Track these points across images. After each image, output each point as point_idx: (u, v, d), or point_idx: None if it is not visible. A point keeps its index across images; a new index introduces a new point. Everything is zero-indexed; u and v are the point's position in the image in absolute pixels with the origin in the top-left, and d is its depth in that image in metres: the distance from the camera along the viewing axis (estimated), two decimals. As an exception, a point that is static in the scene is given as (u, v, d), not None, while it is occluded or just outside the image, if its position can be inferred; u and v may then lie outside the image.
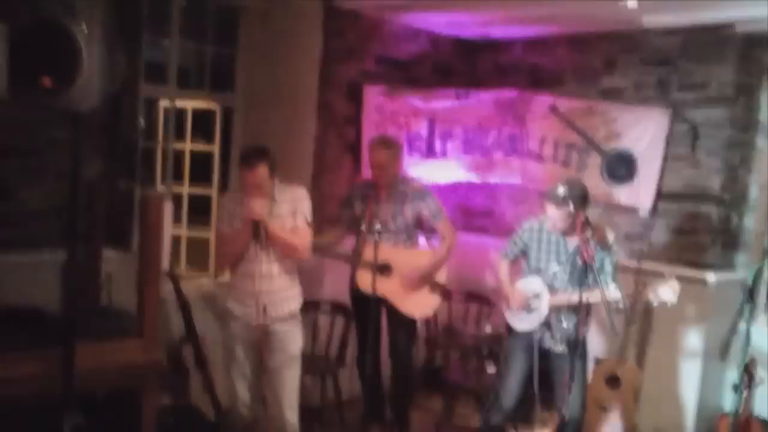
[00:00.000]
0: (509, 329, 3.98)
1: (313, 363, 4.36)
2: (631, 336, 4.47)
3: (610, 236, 3.74)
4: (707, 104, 4.63)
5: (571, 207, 3.62)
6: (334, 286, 4.79)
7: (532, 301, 3.84)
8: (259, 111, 4.84)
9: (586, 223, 3.70)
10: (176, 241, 5.00)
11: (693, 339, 4.56)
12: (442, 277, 4.33)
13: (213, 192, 4.94)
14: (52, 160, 3.74)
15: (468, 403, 5.00)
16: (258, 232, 3.55)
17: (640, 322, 4.52)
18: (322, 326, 4.62)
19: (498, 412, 3.99)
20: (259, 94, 4.84)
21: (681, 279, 4.52)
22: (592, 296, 3.58)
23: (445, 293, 4.51)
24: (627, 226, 4.98)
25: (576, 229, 3.70)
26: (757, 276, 2.77)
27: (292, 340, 3.74)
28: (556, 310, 3.77)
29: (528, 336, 3.85)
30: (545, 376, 3.87)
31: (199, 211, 5.15)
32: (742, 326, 2.72)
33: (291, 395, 3.73)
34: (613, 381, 4.47)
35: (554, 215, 3.71)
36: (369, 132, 5.20)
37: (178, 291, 4.03)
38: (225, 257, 3.69)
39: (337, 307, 4.57)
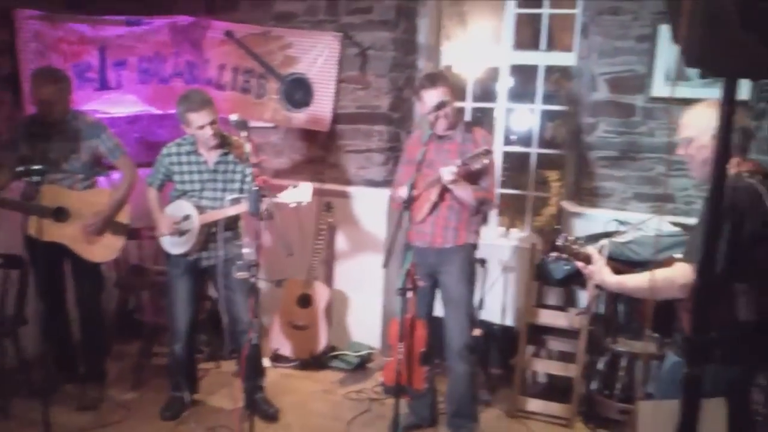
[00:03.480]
0: (168, 256, 4.05)
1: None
2: (320, 254, 4.79)
3: (248, 149, 3.91)
4: (373, 28, 4.97)
5: (213, 107, 3.76)
6: (5, 237, 4.43)
7: (181, 223, 3.92)
8: None
9: (222, 137, 3.89)
10: None
11: (374, 252, 5.01)
12: (124, 216, 4.21)
13: None
14: None
15: (166, 341, 5.02)
16: None
17: (325, 240, 4.84)
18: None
19: (176, 340, 4.08)
20: None
21: (360, 196, 4.96)
22: (237, 209, 3.82)
23: (132, 232, 4.42)
24: (308, 149, 5.25)
25: (215, 145, 3.89)
26: (412, 186, 3.08)
27: None
28: (208, 229, 3.90)
29: (186, 259, 3.96)
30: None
31: None
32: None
33: None
34: (303, 300, 4.79)
35: (203, 120, 3.77)
36: (29, 62, 4.78)
37: None
38: None
39: (9, 260, 4.25)
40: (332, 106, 5.07)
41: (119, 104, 5.30)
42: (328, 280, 5.11)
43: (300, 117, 5.13)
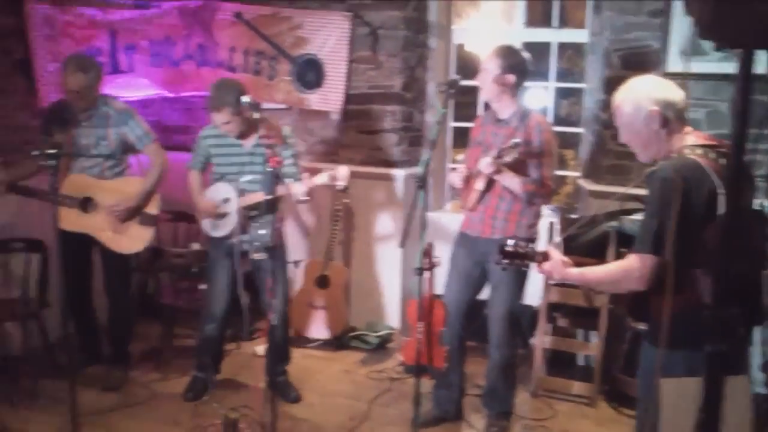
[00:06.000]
0: (210, 239, 4.14)
1: (10, 306, 4.19)
2: (337, 235, 4.88)
3: (286, 130, 3.97)
4: (383, 7, 5.03)
5: (232, 109, 3.76)
6: (32, 223, 4.49)
7: (221, 206, 4.01)
8: None
9: (258, 121, 3.90)
10: None
11: (391, 231, 5.11)
12: (154, 207, 4.24)
13: None
14: None
15: (186, 324, 5.13)
16: None
17: (342, 221, 4.93)
18: (16, 266, 4.40)
19: (210, 321, 4.18)
20: None
21: (375, 177, 5.04)
22: (281, 192, 3.83)
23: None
24: (321, 130, 5.32)
25: (249, 131, 3.94)
26: (427, 166, 3.13)
27: None
28: (248, 212, 3.97)
29: (226, 242, 4.05)
30: (251, 282, 4.13)
31: None
32: (421, 214, 3.11)
33: None
34: (322, 281, 4.88)
35: (219, 120, 3.85)
36: (41, 48, 4.90)
37: None
38: None
39: (30, 244, 4.35)
40: (344, 87, 5.14)
41: (131, 88, 5.40)
42: (346, 260, 5.21)
43: (312, 98, 5.20)
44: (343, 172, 3.79)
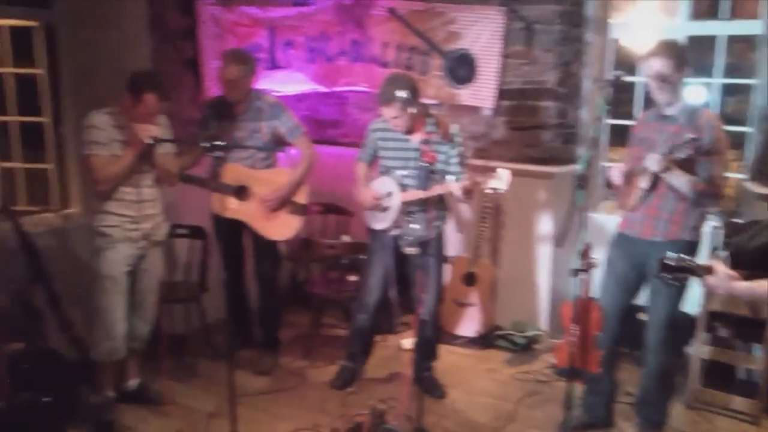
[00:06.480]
0: (370, 230, 4.20)
1: (174, 289, 4.46)
2: (485, 232, 4.83)
3: (453, 128, 3.95)
4: (539, 1, 4.92)
5: (402, 103, 3.76)
6: (191, 210, 4.77)
7: (384, 200, 4.05)
8: (85, 28, 4.61)
9: (426, 117, 3.92)
10: (9, 175, 4.78)
11: (542, 232, 5.01)
12: (302, 196, 4.39)
13: (45, 120, 4.70)
14: None
15: (333, 313, 5.26)
16: (147, 156, 3.67)
17: (491, 218, 4.87)
18: (180, 251, 4.67)
19: (363, 311, 4.25)
20: (82, 9, 4.59)
21: (526, 174, 4.95)
22: (439, 190, 3.84)
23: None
24: (472, 125, 5.29)
25: (417, 126, 3.94)
26: (588, 164, 3.04)
27: (162, 262, 4.01)
28: (408, 207, 3.99)
29: (385, 235, 4.09)
30: (405, 276, 4.16)
31: (33, 141, 4.90)
32: (580, 214, 3.02)
33: (153, 316, 4.03)
34: (469, 278, 4.86)
35: (389, 115, 3.87)
36: (209, 46, 5.16)
37: (18, 229, 3.92)
38: (109, 182, 3.65)
39: (194, 231, 4.61)
40: (497, 82, 5.08)
41: (288, 83, 5.59)
42: (495, 258, 5.16)
43: (464, 93, 5.18)
44: (504, 177, 3.69)
